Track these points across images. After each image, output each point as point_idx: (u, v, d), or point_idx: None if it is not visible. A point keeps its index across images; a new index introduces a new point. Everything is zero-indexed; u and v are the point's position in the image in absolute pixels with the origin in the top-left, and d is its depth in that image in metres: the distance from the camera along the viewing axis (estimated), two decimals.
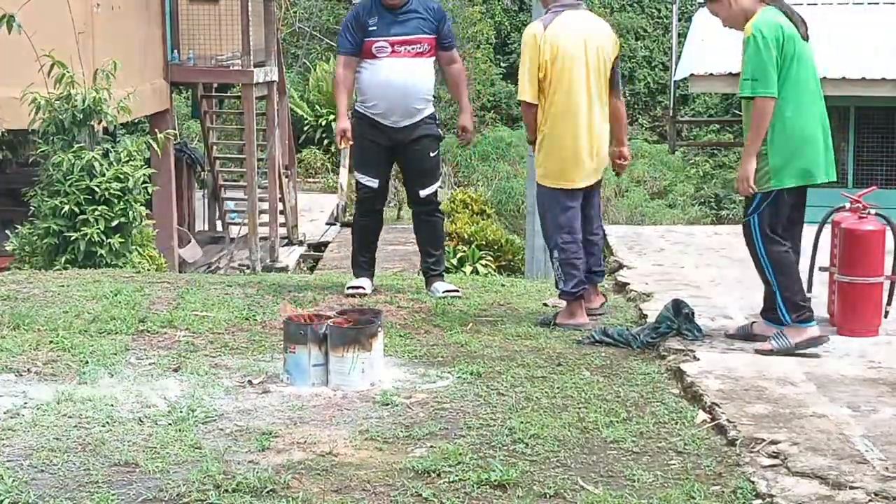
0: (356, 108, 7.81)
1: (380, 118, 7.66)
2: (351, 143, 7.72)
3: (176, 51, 16.90)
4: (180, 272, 13.50)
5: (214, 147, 20.51)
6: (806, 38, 6.19)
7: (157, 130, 11.60)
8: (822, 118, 6.16)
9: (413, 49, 7.60)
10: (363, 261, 7.96)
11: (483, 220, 18.50)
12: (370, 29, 7.57)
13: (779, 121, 6.02)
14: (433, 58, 7.74)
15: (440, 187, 8.08)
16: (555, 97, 6.97)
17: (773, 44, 6.04)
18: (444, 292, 7.80)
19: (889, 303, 6.64)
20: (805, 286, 6.81)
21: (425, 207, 7.92)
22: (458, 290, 7.88)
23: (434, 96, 7.87)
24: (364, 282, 7.84)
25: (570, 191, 7.06)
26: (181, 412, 5.19)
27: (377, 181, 7.78)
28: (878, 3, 19.79)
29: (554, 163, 7.05)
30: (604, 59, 7.03)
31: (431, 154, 7.81)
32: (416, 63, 7.62)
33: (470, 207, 19.17)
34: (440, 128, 7.94)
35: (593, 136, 7.01)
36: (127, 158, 10.52)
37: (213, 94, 20.92)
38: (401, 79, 7.57)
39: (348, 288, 7.78)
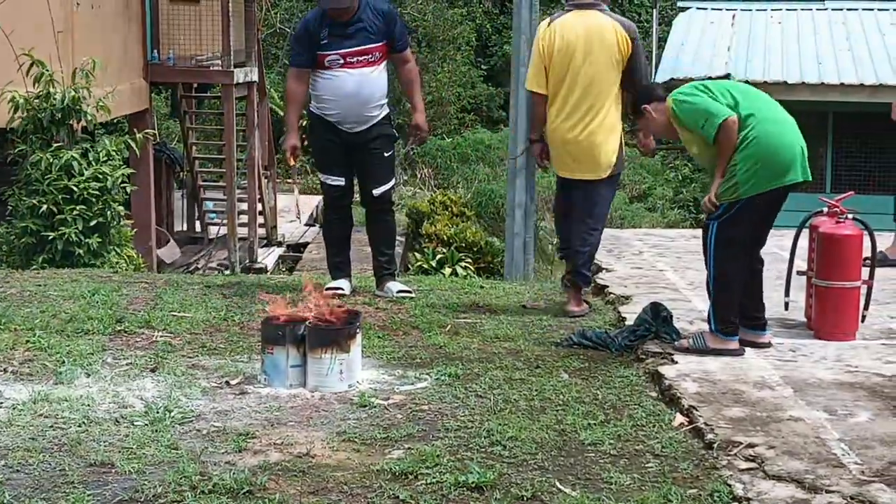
0: (311, 109, 7.81)
1: (335, 123, 7.68)
2: (302, 160, 7.79)
3: (156, 50, 16.84)
4: (158, 272, 13.45)
5: (194, 147, 20.46)
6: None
7: (136, 130, 11.56)
8: (791, 132, 6.15)
9: (365, 59, 7.60)
10: (339, 261, 7.96)
11: (462, 222, 18.49)
12: (322, 42, 7.57)
13: (745, 143, 6.04)
14: (385, 61, 7.74)
15: (394, 188, 8.10)
16: (553, 89, 7.37)
17: (696, 91, 6.23)
18: (397, 292, 7.82)
19: (866, 307, 6.66)
20: (783, 290, 6.87)
21: (378, 206, 7.93)
22: (411, 291, 7.90)
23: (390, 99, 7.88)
24: (343, 283, 7.84)
25: (561, 178, 7.59)
26: (158, 413, 5.17)
27: (343, 179, 7.81)
28: (855, 10, 19.90)
29: (552, 151, 7.54)
30: (606, 55, 7.27)
31: (386, 154, 7.84)
32: (369, 72, 7.62)
33: (449, 209, 19.17)
34: (395, 128, 7.97)
35: (582, 129, 7.31)
36: (105, 158, 10.49)
37: (193, 94, 20.85)
38: (354, 90, 7.58)
39: (327, 289, 7.76)
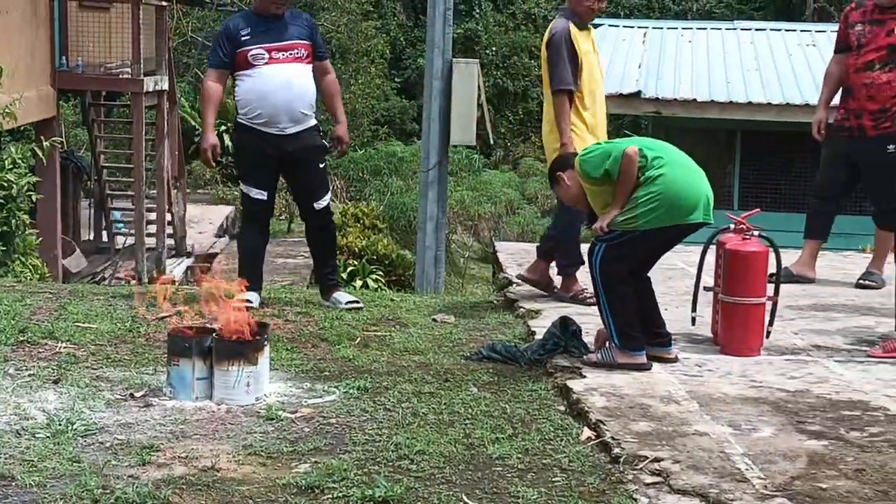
0: (238, 120, 7.70)
1: (264, 127, 7.58)
2: (213, 172, 7.78)
3: (64, 57, 16.64)
4: (64, 282, 13.26)
5: (102, 156, 20.24)
6: None
7: (42, 138, 11.42)
8: (700, 179, 6.20)
9: (291, 54, 7.55)
10: (250, 274, 7.87)
11: (374, 234, 18.48)
12: (243, 39, 7.51)
13: (652, 179, 6.08)
14: (311, 65, 7.70)
15: (332, 200, 8.07)
16: None
17: (597, 144, 6.50)
18: (346, 303, 7.79)
19: (771, 323, 6.74)
20: (690, 306, 6.94)
21: (321, 220, 7.88)
22: (359, 302, 7.89)
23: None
24: (252, 295, 7.75)
25: None
26: (60, 425, 5.08)
27: (266, 193, 7.72)
28: (764, 30, 20.23)
29: None
30: (543, 57, 7.89)
31: (320, 165, 7.80)
32: (297, 67, 7.56)
33: (361, 221, 19.14)
34: (324, 139, 7.94)
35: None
36: (11, 166, 10.34)
37: (102, 102, 20.63)
38: (283, 83, 7.50)
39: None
